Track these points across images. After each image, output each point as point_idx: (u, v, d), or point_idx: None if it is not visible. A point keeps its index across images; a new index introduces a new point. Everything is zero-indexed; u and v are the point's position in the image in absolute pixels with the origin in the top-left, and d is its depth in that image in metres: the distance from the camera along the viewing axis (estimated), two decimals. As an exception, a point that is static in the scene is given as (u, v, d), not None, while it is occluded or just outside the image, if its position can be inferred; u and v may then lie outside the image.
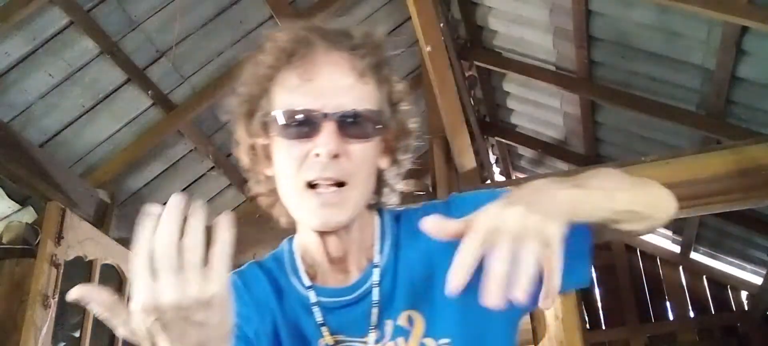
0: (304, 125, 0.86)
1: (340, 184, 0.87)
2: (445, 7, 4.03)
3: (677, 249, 5.69)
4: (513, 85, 4.66)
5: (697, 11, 3.02)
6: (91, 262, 3.11)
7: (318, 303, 0.92)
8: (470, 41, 4.37)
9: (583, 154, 4.83)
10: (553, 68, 4.19)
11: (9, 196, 3.23)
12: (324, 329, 0.91)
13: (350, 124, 0.86)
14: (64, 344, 3.37)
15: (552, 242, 0.67)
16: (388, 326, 0.91)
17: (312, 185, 0.87)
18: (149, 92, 3.51)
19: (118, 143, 3.62)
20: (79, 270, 3.08)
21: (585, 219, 0.77)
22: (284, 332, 0.92)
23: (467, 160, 3.45)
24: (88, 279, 3.09)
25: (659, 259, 5.91)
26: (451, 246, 0.81)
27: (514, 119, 5.10)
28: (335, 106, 0.86)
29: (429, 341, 0.89)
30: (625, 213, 0.83)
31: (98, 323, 3.21)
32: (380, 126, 0.90)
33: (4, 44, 2.94)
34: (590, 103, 4.28)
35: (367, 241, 0.96)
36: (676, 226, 5.33)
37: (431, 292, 0.90)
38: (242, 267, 1.00)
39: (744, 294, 5.63)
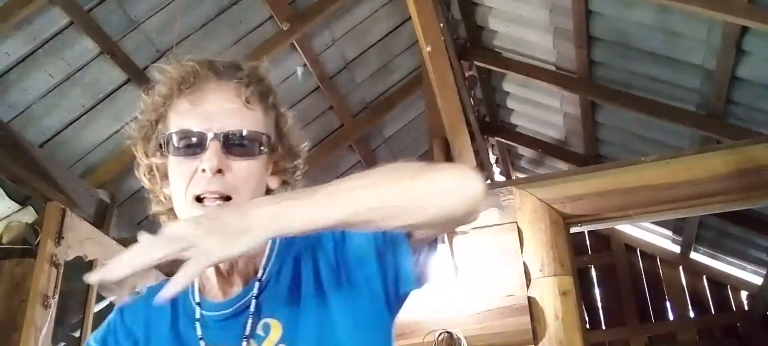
0: (193, 145, 0.95)
1: (226, 198, 0.93)
2: (445, 7, 4.03)
3: (677, 249, 5.69)
4: (513, 85, 4.67)
5: (697, 11, 3.02)
6: (91, 262, 3.11)
7: (201, 318, 0.98)
8: (470, 41, 4.37)
9: (583, 154, 4.83)
10: (553, 68, 4.19)
11: (9, 196, 3.23)
12: (201, 342, 0.96)
13: (234, 144, 0.95)
14: (64, 344, 3.36)
15: (201, 256, 0.75)
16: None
17: (199, 199, 0.94)
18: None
19: (118, 143, 3.62)
20: (79, 270, 3.08)
21: (297, 230, 0.79)
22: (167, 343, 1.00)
23: (467, 160, 3.45)
24: (88, 279, 3.08)
25: (659, 259, 5.91)
26: (316, 248, 0.97)
27: (514, 119, 5.11)
28: (220, 127, 0.95)
29: None
30: (375, 211, 0.82)
31: (98, 323, 3.21)
32: (264, 146, 0.98)
33: (4, 44, 2.94)
34: (590, 103, 4.28)
35: (258, 255, 1.00)
36: (676, 226, 5.34)
37: (292, 298, 0.95)
38: (134, 297, 1.10)
39: (744, 294, 5.63)
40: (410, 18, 2.99)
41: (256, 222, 0.77)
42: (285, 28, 3.67)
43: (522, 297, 2.92)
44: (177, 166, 0.97)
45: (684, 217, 4.68)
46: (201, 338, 0.97)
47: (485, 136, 5.15)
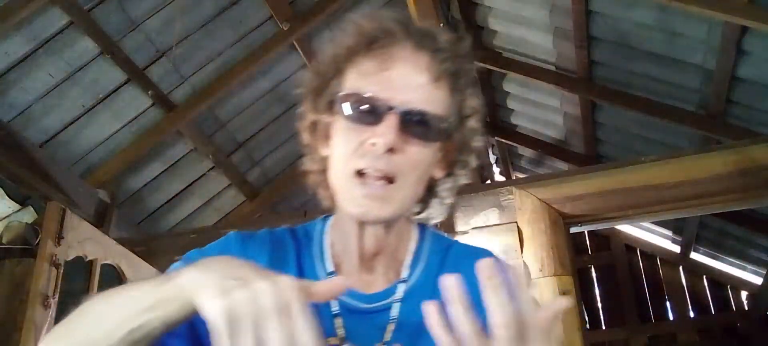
0: (368, 113, 0.85)
1: (390, 180, 0.85)
2: (445, 7, 4.03)
3: (677, 249, 5.69)
4: (513, 85, 4.66)
5: (697, 11, 3.02)
6: (91, 262, 3.11)
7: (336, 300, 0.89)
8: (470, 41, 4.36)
9: (583, 154, 4.83)
10: (553, 68, 4.19)
11: (9, 196, 3.23)
12: (337, 320, 0.88)
13: (413, 123, 0.84)
14: (64, 344, 3.36)
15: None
16: None
17: (361, 174, 0.85)
18: (149, 92, 3.51)
19: (118, 143, 3.62)
20: (79, 270, 3.08)
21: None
22: None
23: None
24: (88, 279, 3.09)
25: (659, 259, 5.91)
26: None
27: (514, 119, 5.10)
28: (403, 100, 0.84)
29: None
30: None
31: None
32: (443, 133, 0.88)
33: (4, 44, 2.94)
34: (590, 103, 4.28)
35: (400, 253, 0.93)
36: (676, 226, 5.34)
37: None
38: (256, 231, 0.99)
39: (744, 294, 5.63)
40: (410, 18, 2.99)
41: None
42: (285, 28, 3.68)
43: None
44: (346, 132, 0.87)
45: (684, 217, 4.68)
46: (337, 314, 0.88)
47: (485, 136, 5.15)
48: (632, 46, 3.63)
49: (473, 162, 0.97)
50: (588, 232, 5.90)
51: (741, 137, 3.32)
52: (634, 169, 3.09)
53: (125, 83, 3.44)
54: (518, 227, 3.10)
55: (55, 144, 3.38)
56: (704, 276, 5.75)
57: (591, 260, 6.10)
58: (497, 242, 3.06)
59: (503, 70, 4.47)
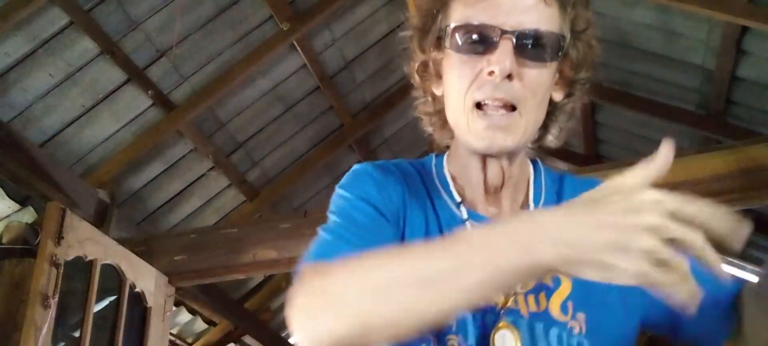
0: (480, 42, 0.82)
1: (511, 107, 0.82)
2: (445, 7, 4.03)
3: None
4: (513, 85, 4.67)
5: (697, 11, 3.02)
6: (91, 262, 3.11)
7: (468, 222, 0.87)
8: (470, 41, 4.37)
9: (583, 154, 4.83)
10: (553, 68, 4.19)
11: (9, 196, 3.23)
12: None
13: (528, 46, 0.81)
14: (63, 344, 3.36)
15: None
16: None
17: (480, 106, 0.82)
18: (149, 92, 3.51)
19: (118, 143, 3.62)
20: (79, 270, 3.08)
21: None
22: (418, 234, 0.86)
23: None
24: (88, 279, 3.09)
25: (659, 259, 5.90)
26: None
27: (514, 119, 5.11)
28: (514, 24, 0.81)
29: (570, 305, 0.83)
30: None
31: (98, 323, 3.21)
32: (560, 52, 0.84)
33: (4, 44, 2.94)
34: (590, 103, 4.28)
35: (522, 184, 0.91)
36: (676, 226, 5.33)
37: None
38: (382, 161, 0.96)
39: (744, 294, 5.63)
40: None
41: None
42: (285, 28, 3.67)
43: None
44: (458, 66, 0.84)
45: (684, 217, 4.67)
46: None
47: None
48: (632, 46, 3.63)
49: (592, 77, 0.94)
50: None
51: (741, 137, 3.32)
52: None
53: (125, 83, 3.44)
54: (518, 227, 3.10)
55: (55, 144, 3.38)
56: (704, 276, 5.74)
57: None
58: (497, 242, 3.06)
59: (503, 70, 4.47)
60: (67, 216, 3.00)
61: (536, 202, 0.90)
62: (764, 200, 3.18)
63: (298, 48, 3.88)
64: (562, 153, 5.02)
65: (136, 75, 3.42)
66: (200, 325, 5.16)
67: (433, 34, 0.89)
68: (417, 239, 0.86)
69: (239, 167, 4.35)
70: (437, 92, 0.92)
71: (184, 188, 4.17)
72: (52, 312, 2.87)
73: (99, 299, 3.37)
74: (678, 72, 3.61)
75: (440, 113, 0.92)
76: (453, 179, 0.93)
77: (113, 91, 3.43)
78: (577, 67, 0.90)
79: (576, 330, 0.82)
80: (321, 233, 0.83)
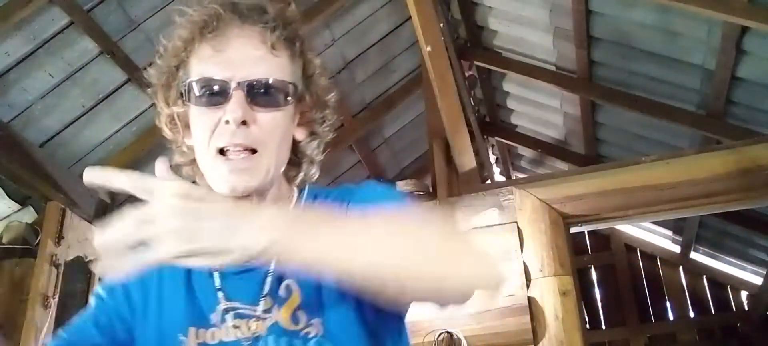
0: (216, 94, 0.90)
1: (252, 151, 0.89)
2: (445, 7, 4.03)
3: (677, 249, 5.69)
4: (513, 85, 4.67)
5: (697, 11, 3.02)
6: (91, 262, 3.11)
7: (217, 269, 0.94)
8: (470, 41, 4.37)
9: (583, 154, 4.83)
10: (553, 68, 4.19)
11: (9, 196, 3.23)
12: (220, 293, 0.92)
13: (259, 93, 0.90)
14: (64, 344, 3.36)
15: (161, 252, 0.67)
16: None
17: (223, 152, 0.89)
18: (149, 92, 3.51)
19: (118, 143, 3.62)
20: (79, 270, 3.08)
21: (293, 266, 0.75)
22: (177, 293, 0.95)
23: (467, 160, 3.44)
24: (88, 279, 3.09)
25: (659, 259, 5.91)
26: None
27: (514, 119, 5.11)
28: (244, 75, 0.89)
29: (301, 314, 0.89)
30: (389, 274, 0.73)
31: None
32: (291, 96, 0.93)
33: (4, 44, 2.94)
34: (590, 103, 4.28)
35: (282, 203, 0.98)
36: (676, 226, 5.34)
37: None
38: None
39: (744, 294, 5.63)
40: (410, 18, 2.99)
41: (242, 241, 0.67)
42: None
43: (522, 297, 2.92)
44: (199, 117, 0.92)
45: (684, 217, 4.68)
46: (219, 289, 0.93)
47: (485, 136, 5.15)
48: (632, 46, 3.63)
49: (332, 117, 1.04)
50: (588, 232, 5.90)
51: (741, 137, 3.32)
52: (634, 169, 3.09)
53: (125, 83, 3.43)
54: (518, 227, 3.10)
55: (55, 144, 3.38)
56: (704, 276, 5.75)
57: (591, 260, 6.10)
58: (497, 242, 3.06)
59: (503, 70, 4.47)
60: (67, 216, 3.00)
61: None
62: (764, 200, 3.19)
63: (298, 48, 3.87)
64: (562, 153, 5.02)
65: (136, 75, 3.42)
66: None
67: (175, 89, 0.96)
68: (176, 295, 0.95)
69: (239, 167, 4.34)
70: (188, 142, 0.98)
71: (184, 188, 4.16)
72: (52, 312, 2.87)
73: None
74: (678, 72, 3.61)
75: (194, 162, 0.97)
76: None
77: (113, 91, 3.43)
78: (314, 107, 1.00)
79: (312, 334, 0.89)
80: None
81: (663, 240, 5.81)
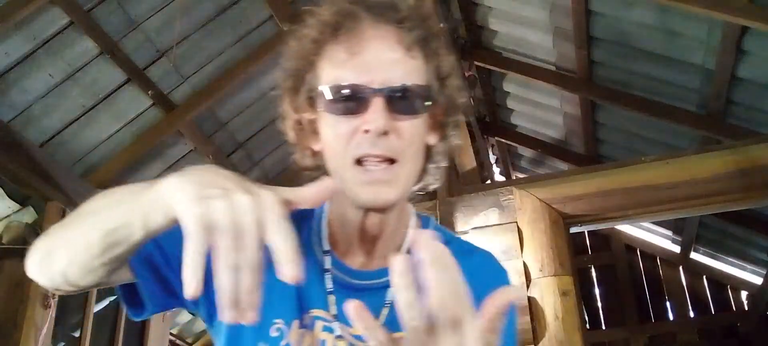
0: (352, 100, 0.83)
1: (390, 161, 0.84)
2: (445, 7, 4.03)
3: (677, 249, 5.69)
4: (513, 85, 4.66)
5: (697, 11, 3.02)
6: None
7: (330, 272, 0.90)
8: (470, 41, 4.37)
9: (583, 154, 4.83)
10: (553, 68, 4.19)
11: (9, 196, 3.23)
12: (331, 297, 0.88)
13: (399, 100, 0.83)
14: (63, 344, 3.36)
15: None
16: None
17: (361, 162, 0.84)
18: (149, 92, 3.51)
19: (118, 143, 3.62)
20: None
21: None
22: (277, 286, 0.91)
23: (467, 160, 3.45)
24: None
25: (659, 259, 5.91)
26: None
27: (514, 119, 5.10)
28: (383, 80, 0.83)
29: None
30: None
31: (98, 323, 3.22)
32: (429, 101, 0.87)
33: (4, 44, 2.94)
34: (590, 103, 4.28)
35: (399, 235, 0.93)
36: (676, 226, 5.34)
37: None
38: None
39: (744, 294, 5.63)
40: (410, 18, 2.98)
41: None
42: (285, 28, 3.67)
43: (522, 297, 2.92)
44: (334, 125, 0.85)
45: (684, 217, 4.68)
46: (331, 292, 0.88)
47: (485, 136, 5.15)
48: (632, 46, 3.63)
49: (462, 119, 0.96)
50: (588, 232, 5.90)
51: (741, 137, 3.32)
52: (634, 169, 3.09)
53: (125, 83, 3.44)
54: (518, 227, 3.10)
55: (55, 144, 3.38)
56: (704, 276, 5.75)
57: (591, 260, 6.10)
58: (497, 242, 3.06)
59: (503, 70, 4.47)
60: (67, 216, 3.00)
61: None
62: (764, 200, 3.19)
63: (298, 48, 3.87)
64: (562, 153, 5.02)
65: (136, 75, 3.42)
66: (200, 325, 5.15)
67: (303, 94, 0.89)
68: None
69: (239, 167, 4.35)
70: (316, 148, 0.92)
71: (184, 188, 4.16)
72: (52, 312, 2.87)
73: (99, 299, 3.38)
74: (678, 72, 3.61)
75: (321, 168, 0.92)
76: (330, 223, 0.94)
77: (113, 91, 3.43)
78: (446, 111, 0.93)
79: None
80: None
81: (663, 240, 5.81)
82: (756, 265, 5.21)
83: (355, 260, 0.91)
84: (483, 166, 5.05)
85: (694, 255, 5.63)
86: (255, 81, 3.93)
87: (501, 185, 3.46)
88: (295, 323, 0.88)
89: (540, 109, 4.76)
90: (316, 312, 0.88)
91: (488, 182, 5.04)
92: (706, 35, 3.24)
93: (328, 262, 0.91)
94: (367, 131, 0.82)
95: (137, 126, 3.65)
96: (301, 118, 0.91)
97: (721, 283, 5.69)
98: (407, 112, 0.84)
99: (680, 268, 5.81)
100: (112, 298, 3.28)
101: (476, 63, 4.47)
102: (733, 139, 3.36)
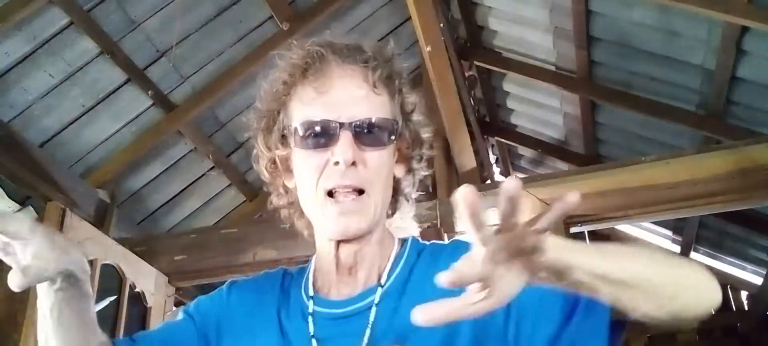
0: (322, 135, 0.89)
1: (360, 192, 0.89)
2: (445, 7, 4.03)
3: (677, 249, 5.69)
4: (513, 85, 4.66)
5: (697, 11, 3.02)
6: (91, 262, 3.09)
7: (314, 313, 0.93)
8: (470, 41, 4.37)
9: (583, 154, 4.83)
10: (553, 68, 4.19)
11: (9, 196, 3.22)
12: (314, 340, 0.91)
13: (365, 133, 0.90)
14: (64, 344, 3.35)
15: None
16: None
17: (332, 194, 0.89)
18: (149, 92, 3.51)
19: (118, 143, 3.62)
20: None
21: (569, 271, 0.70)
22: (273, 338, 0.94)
23: (467, 160, 3.44)
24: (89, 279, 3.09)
25: (659, 259, 5.90)
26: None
27: (514, 119, 5.10)
28: (350, 115, 0.89)
29: None
30: (630, 282, 0.70)
31: (98, 323, 3.21)
32: (394, 135, 0.93)
33: (4, 44, 2.94)
34: (590, 103, 4.28)
35: (382, 259, 0.96)
36: (676, 226, 5.33)
37: (426, 335, 0.79)
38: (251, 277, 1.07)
39: (744, 294, 5.63)
40: (410, 18, 2.99)
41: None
42: (285, 28, 3.67)
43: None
44: (306, 160, 0.92)
45: (684, 217, 4.68)
46: (313, 336, 0.91)
47: (485, 136, 5.15)
48: (632, 46, 3.63)
49: (428, 152, 1.03)
50: (588, 232, 5.88)
51: (741, 137, 3.31)
52: (634, 169, 3.09)
53: (125, 83, 3.44)
54: (518, 227, 3.10)
55: (55, 144, 3.38)
56: (704, 276, 5.74)
57: None
58: (497, 242, 3.05)
59: (503, 70, 4.47)
60: (67, 216, 3.00)
61: (391, 274, 0.94)
62: (764, 200, 3.18)
63: (299, 48, 3.87)
64: (562, 153, 5.02)
65: (136, 75, 3.42)
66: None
67: (276, 133, 0.96)
68: (269, 334, 0.96)
69: (239, 167, 4.35)
70: (289, 185, 0.98)
71: (184, 188, 4.17)
72: (52, 312, 2.86)
73: (99, 299, 3.37)
74: (678, 72, 3.61)
75: (295, 204, 0.98)
76: (316, 269, 0.99)
77: (113, 91, 3.43)
78: (412, 144, 0.99)
79: None
80: None
81: (663, 240, 5.81)
82: (756, 265, 5.21)
83: (340, 292, 0.95)
84: (483, 166, 5.05)
85: (694, 255, 5.62)
86: (255, 81, 3.92)
87: (501, 184, 3.46)
88: None
89: (540, 109, 4.76)
90: None
91: (488, 181, 5.04)
92: (706, 35, 3.24)
93: (311, 306, 0.95)
94: (337, 163, 0.88)
95: (137, 126, 3.65)
96: (275, 156, 0.97)
97: (721, 283, 5.63)
98: (374, 144, 0.91)
99: (680, 268, 5.80)
100: (112, 298, 3.28)
101: (476, 63, 4.47)
102: (733, 139, 3.36)
